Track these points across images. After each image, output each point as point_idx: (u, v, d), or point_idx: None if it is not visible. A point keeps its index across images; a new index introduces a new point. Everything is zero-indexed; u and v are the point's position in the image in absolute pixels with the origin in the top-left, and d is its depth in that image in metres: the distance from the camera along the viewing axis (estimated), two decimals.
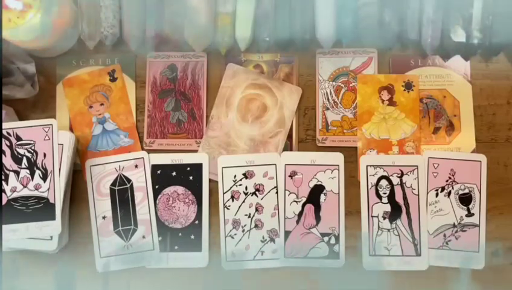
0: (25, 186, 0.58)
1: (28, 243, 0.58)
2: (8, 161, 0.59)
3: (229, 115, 0.63)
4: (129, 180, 0.61)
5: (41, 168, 0.58)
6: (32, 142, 0.59)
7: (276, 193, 0.61)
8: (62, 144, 0.59)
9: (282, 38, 0.61)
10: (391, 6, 0.60)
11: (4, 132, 0.59)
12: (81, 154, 0.63)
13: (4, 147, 0.59)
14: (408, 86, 0.62)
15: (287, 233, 0.60)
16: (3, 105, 0.60)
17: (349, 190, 0.61)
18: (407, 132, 0.62)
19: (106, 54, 0.64)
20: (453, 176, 0.60)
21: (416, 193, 0.60)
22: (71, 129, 0.63)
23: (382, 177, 0.60)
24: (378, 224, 0.60)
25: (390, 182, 0.60)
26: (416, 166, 0.60)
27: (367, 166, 0.61)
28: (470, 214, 0.60)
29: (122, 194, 0.61)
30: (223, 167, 0.61)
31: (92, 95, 0.64)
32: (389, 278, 0.60)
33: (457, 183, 0.60)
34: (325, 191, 0.61)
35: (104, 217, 0.61)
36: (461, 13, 0.59)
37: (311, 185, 0.61)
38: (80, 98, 0.64)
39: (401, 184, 0.60)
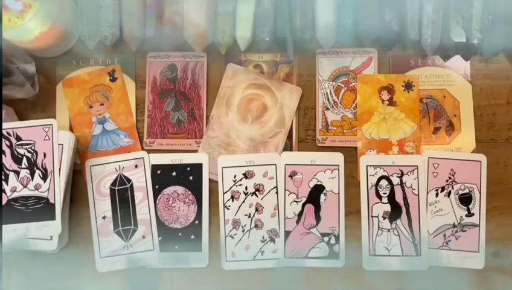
0: (25, 186, 0.58)
1: (28, 243, 0.58)
2: (8, 161, 0.59)
3: (229, 115, 0.63)
4: (129, 180, 0.61)
5: (41, 168, 0.58)
6: (32, 142, 0.59)
7: (276, 193, 0.61)
8: (62, 144, 0.59)
9: (282, 38, 0.61)
10: (391, 6, 0.60)
11: (4, 132, 0.59)
12: (81, 154, 0.63)
13: (4, 147, 0.59)
14: (408, 86, 0.62)
15: (287, 233, 0.60)
16: (3, 105, 0.60)
17: (349, 190, 0.61)
18: (407, 132, 0.62)
19: (106, 54, 0.64)
20: (453, 176, 0.60)
21: (416, 193, 0.60)
22: (71, 129, 0.63)
23: (382, 177, 0.60)
24: (378, 224, 0.60)
25: (390, 182, 0.60)
26: (416, 166, 0.60)
27: (367, 166, 0.61)
28: (470, 214, 0.60)
29: (122, 194, 0.61)
30: (223, 167, 0.61)
31: (92, 95, 0.64)
32: (389, 278, 0.60)
33: (457, 183, 0.60)
34: (325, 191, 0.61)
35: (104, 217, 0.61)
36: (461, 13, 0.59)
37: (311, 185, 0.61)
38: (80, 98, 0.64)
39: (401, 184, 0.60)
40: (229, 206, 0.61)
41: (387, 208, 0.60)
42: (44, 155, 0.59)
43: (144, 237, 0.61)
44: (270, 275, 0.61)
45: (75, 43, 0.64)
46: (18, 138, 0.59)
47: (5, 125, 0.59)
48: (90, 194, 0.61)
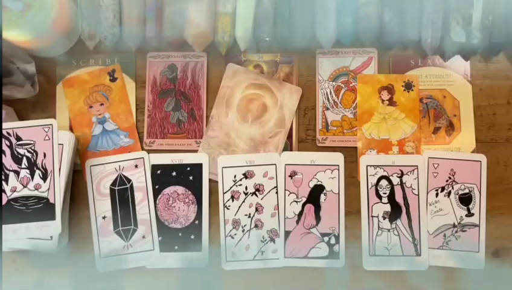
0: (25, 186, 0.58)
1: (28, 243, 0.58)
2: (8, 161, 0.59)
3: (229, 115, 0.63)
4: (129, 180, 0.61)
5: (41, 168, 0.58)
6: (32, 142, 0.59)
7: (276, 193, 0.61)
8: (62, 144, 0.59)
9: (282, 38, 0.61)
10: (391, 6, 0.60)
11: (4, 132, 0.59)
12: (81, 154, 0.63)
13: (4, 147, 0.59)
14: (408, 86, 0.62)
15: (287, 233, 0.60)
16: (3, 105, 0.60)
17: (349, 190, 0.61)
18: (407, 132, 0.62)
19: (106, 54, 0.64)
20: (453, 176, 0.60)
21: (416, 193, 0.60)
22: (71, 129, 0.63)
23: (382, 177, 0.60)
24: (378, 224, 0.60)
25: (390, 182, 0.60)
26: (416, 166, 0.60)
27: (367, 166, 0.61)
28: (470, 214, 0.60)
29: (122, 194, 0.61)
30: (223, 167, 0.61)
31: (92, 95, 0.64)
32: (389, 278, 0.60)
33: (457, 183, 0.60)
34: (325, 191, 0.61)
35: (104, 217, 0.61)
36: (461, 13, 0.59)
37: (311, 185, 0.61)
38: (80, 98, 0.64)
39: (401, 184, 0.60)
40: (229, 206, 0.61)
41: (387, 208, 0.60)
42: (44, 155, 0.59)
43: (143, 237, 0.61)
44: (270, 275, 0.61)
45: (75, 43, 0.64)
46: (18, 138, 0.59)
47: (5, 125, 0.59)
48: (90, 194, 0.61)
